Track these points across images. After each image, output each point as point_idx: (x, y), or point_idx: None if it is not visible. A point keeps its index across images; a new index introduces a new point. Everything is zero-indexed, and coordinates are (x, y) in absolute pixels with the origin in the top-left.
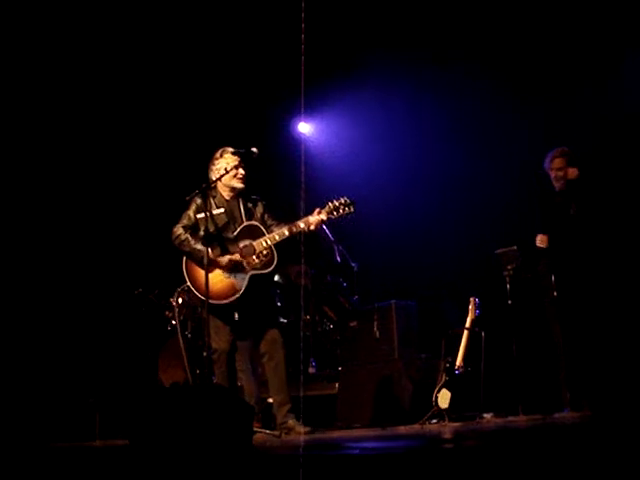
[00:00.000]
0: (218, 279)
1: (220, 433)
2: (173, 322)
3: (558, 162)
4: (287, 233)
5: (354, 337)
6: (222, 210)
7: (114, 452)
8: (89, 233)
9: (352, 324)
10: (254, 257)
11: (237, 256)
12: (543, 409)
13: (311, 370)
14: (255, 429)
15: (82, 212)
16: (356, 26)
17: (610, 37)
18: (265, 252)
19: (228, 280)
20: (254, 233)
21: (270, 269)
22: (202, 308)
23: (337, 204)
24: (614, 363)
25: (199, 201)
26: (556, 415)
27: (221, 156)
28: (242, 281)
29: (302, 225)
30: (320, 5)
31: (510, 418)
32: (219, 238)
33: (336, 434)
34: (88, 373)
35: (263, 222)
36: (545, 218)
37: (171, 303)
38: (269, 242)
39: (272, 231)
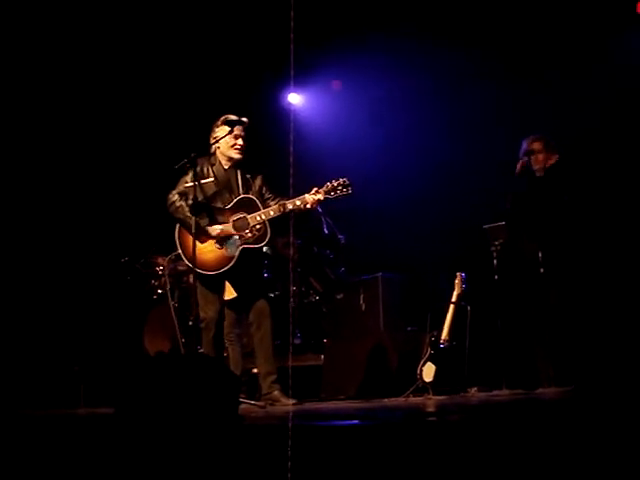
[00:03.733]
0: (210, 249)
1: (206, 403)
2: (159, 291)
3: (537, 145)
4: (282, 210)
5: (340, 309)
6: (212, 179)
7: (99, 420)
8: (76, 201)
9: (338, 296)
10: (247, 231)
11: (229, 227)
12: (526, 384)
13: (296, 341)
14: (240, 400)
15: (70, 179)
16: None
17: (594, 22)
18: (258, 227)
19: (220, 251)
20: (249, 206)
21: (262, 244)
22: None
23: (335, 184)
24: (599, 339)
25: (196, 169)
26: (539, 390)
27: (221, 124)
28: (233, 253)
29: (298, 203)
30: None
31: (494, 392)
32: (207, 208)
33: (321, 406)
34: (74, 341)
35: (260, 195)
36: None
37: (157, 272)
38: (263, 217)
39: (268, 205)
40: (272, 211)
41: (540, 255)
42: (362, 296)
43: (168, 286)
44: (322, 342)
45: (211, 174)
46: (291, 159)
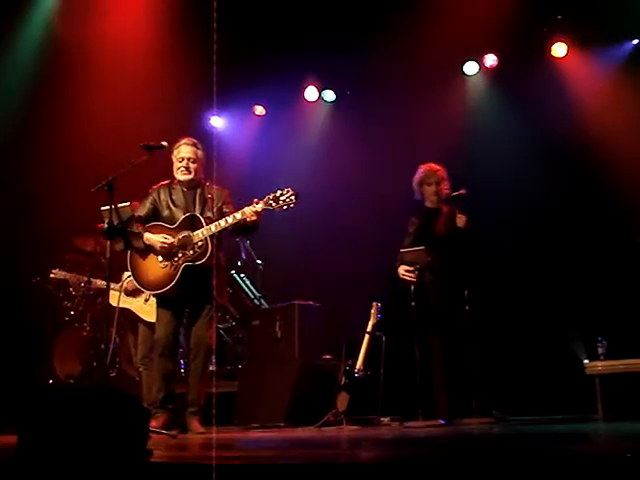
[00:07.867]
0: (152, 268)
1: (111, 437)
2: (72, 312)
3: (435, 177)
4: (223, 224)
5: (256, 335)
6: (127, 203)
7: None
8: None
9: (254, 322)
10: (189, 249)
11: (170, 240)
12: (445, 414)
13: (211, 367)
14: (152, 429)
15: None
16: (275, 16)
17: None
18: (200, 243)
19: (161, 270)
20: (194, 224)
21: (203, 261)
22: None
23: (278, 194)
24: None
25: (156, 194)
26: (462, 421)
27: (175, 148)
28: (176, 272)
29: (238, 216)
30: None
31: (408, 423)
32: (122, 232)
33: (233, 435)
34: None
35: (221, 212)
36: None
37: (70, 293)
38: (205, 233)
39: None
40: (214, 227)
41: (466, 293)
42: (278, 323)
43: (79, 308)
44: (237, 368)
45: (167, 199)
46: (213, 183)
